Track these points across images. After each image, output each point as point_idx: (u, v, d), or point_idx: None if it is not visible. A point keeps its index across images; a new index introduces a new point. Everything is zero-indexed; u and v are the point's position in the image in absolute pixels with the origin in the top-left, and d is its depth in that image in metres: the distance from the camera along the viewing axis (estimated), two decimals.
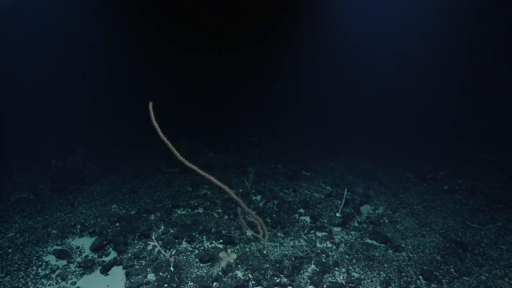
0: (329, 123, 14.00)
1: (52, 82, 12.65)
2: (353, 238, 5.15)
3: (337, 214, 5.81)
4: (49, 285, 4.01)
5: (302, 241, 4.91)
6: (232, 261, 3.84)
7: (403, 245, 4.96)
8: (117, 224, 5.30)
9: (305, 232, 5.15)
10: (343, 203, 6.02)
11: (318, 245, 4.88)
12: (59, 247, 4.81)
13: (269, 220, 5.48)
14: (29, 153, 9.59)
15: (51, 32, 12.19)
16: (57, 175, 7.73)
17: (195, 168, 3.56)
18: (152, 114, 3.16)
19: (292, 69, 15.34)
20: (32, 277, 4.16)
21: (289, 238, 4.96)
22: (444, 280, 4.15)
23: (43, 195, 6.71)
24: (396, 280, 4.10)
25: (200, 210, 5.87)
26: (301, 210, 5.97)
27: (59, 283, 4.05)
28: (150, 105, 3.13)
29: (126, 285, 3.84)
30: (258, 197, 6.53)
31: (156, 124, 3.21)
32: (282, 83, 15.18)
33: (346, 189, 6.41)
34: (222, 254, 3.75)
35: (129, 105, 12.80)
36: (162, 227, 5.21)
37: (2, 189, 7.02)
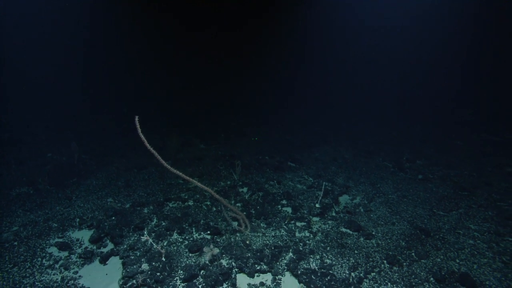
0: (317, 111, 14.41)
1: (45, 74, 12.79)
2: (330, 227, 5.68)
3: (317, 205, 6.32)
4: (53, 275, 4.48)
5: (282, 231, 5.43)
6: (215, 253, 4.33)
7: (373, 233, 5.50)
8: (113, 218, 5.75)
9: (286, 222, 5.67)
10: (322, 194, 6.53)
11: (297, 234, 5.39)
12: (61, 240, 5.26)
13: (253, 212, 5.98)
14: (24, 146, 9.88)
15: (47, 23, 12.20)
16: (54, 169, 8.08)
17: (181, 174, 3.95)
18: (138, 127, 3.51)
19: (281, 60, 15.57)
20: (38, 267, 4.62)
21: (271, 229, 5.47)
22: (405, 263, 4.71)
23: (42, 189, 7.10)
24: (363, 265, 4.64)
25: (190, 203, 6.34)
26: (284, 202, 6.47)
27: (63, 273, 4.52)
28: (136, 119, 3.48)
29: (123, 274, 4.32)
30: (245, 189, 7.00)
31: (142, 136, 3.56)
32: (272, 73, 15.44)
33: (324, 183, 6.92)
34: (205, 249, 4.24)
35: (121, 97, 13.07)
36: (155, 220, 5.68)
37: (2, 183, 7.38)
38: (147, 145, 3.66)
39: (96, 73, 13.60)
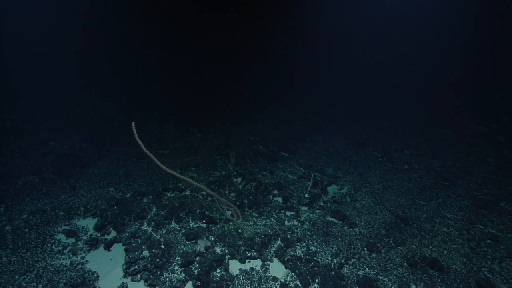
0: (314, 101, 14.65)
1: (44, 64, 12.90)
2: (317, 216, 6.11)
3: (306, 195, 6.75)
4: (63, 259, 4.91)
5: (273, 220, 5.87)
6: (208, 245, 4.78)
7: (357, 222, 5.94)
8: (115, 207, 6.16)
9: (276, 212, 6.10)
10: (311, 185, 6.95)
11: (286, 223, 5.83)
12: (67, 227, 5.67)
13: (246, 201, 6.40)
14: (26, 134, 10.18)
15: (44, 8, 12.20)
16: (57, 158, 8.44)
17: (174, 173, 4.31)
18: (135, 132, 3.82)
19: (281, 50, 15.63)
20: (48, 252, 5.04)
21: (262, 218, 5.91)
22: (383, 250, 5.17)
23: (47, 179, 7.48)
24: (345, 252, 5.10)
25: (187, 193, 6.76)
26: (275, 192, 6.89)
27: (71, 258, 4.95)
28: (133, 124, 3.79)
29: (126, 259, 4.77)
30: (239, 179, 7.41)
31: (139, 140, 3.88)
32: (269, 61, 15.53)
33: (313, 173, 7.33)
34: (199, 241, 4.68)
35: (119, 85, 13.27)
36: (154, 209, 6.10)
37: (8, 172, 7.75)
38: (144, 148, 3.99)
39: (93, 60, 13.74)
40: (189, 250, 4.87)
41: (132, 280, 4.39)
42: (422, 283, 4.42)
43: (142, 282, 4.37)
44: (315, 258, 4.89)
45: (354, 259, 4.95)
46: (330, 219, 6.03)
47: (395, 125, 11.75)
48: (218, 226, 5.55)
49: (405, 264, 4.83)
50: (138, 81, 14.34)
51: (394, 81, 14.89)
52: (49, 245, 5.20)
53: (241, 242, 5.08)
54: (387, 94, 14.48)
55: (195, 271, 4.46)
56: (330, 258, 4.92)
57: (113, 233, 5.52)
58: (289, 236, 5.40)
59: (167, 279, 4.36)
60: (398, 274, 4.62)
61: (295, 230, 5.61)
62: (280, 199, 6.61)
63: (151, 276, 4.37)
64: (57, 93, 13.39)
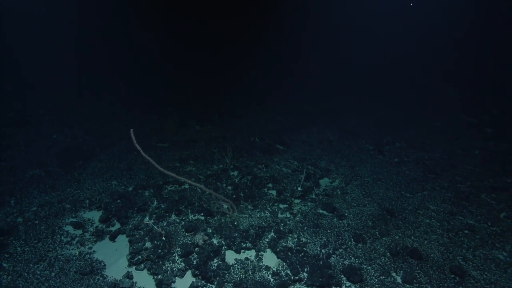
0: (308, 92, 14.86)
1: (46, 56, 13.02)
2: (309, 208, 6.48)
3: (299, 188, 7.12)
4: (72, 250, 5.31)
5: (267, 212, 6.25)
6: (206, 239, 5.17)
7: (346, 214, 6.32)
8: (118, 200, 6.53)
9: (270, 204, 6.48)
10: (303, 178, 7.31)
11: (279, 215, 6.22)
12: (74, 219, 6.05)
13: (242, 195, 6.78)
14: (30, 126, 10.46)
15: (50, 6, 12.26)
16: (61, 151, 8.76)
17: (171, 173, 4.64)
18: (134, 140, 4.13)
19: (277, 40, 15.69)
20: (58, 243, 5.43)
21: (257, 210, 6.29)
22: (368, 241, 5.57)
23: (52, 172, 7.83)
24: (333, 243, 5.51)
25: (186, 186, 7.12)
26: (270, 185, 7.26)
27: (80, 248, 5.35)
28: (132, 132, 4.09)
29: (130, 250, 5.17)
30: (235, 173, 7.76)
31: (138, 147, 4.19)
32: (267, 54, 15.62)
33: (307, 166, 7.68)
34: (197, 236, 5.08)
35: (118, 78, 13.44)
36: (155, 203, 6.48)
37: (15, 165, 8.09)
38: (143, 153, 4.29)
39: (93, 51, 13.84)
40: (188, 241, 5.27)
41: (136, 269, 4.81)
42: (401, 271, 4.84)
43: (145, 271, 4.78)
44: (305, 249, 5.29)
45: (341, 250, 5.35)
46: (321, 211, 6.41)
47: (388, 117, 12.03)
48: (215, 218, 5.94)
49: (388, 253, 5.24)
50: (138, 73, 14.50)
51: (389, 73, 15.06)
52: (58, 236, 5.59)
53: (236, 234, 5.48)
54: (383, 86, 14.69)
55: (194, 261, 4.87)
56: (319, 249, 5.32)
57: (117, 225, 5.91)
58: (281, 228, 5.79)
59: (169, 268, 4.77)
60: (380, 263, 5.03)
61: (288, 222, 6.00)
62: (274, 192, 6.99)
63: (153, 266, 4.78)
64: (58, 85, 13.57)
